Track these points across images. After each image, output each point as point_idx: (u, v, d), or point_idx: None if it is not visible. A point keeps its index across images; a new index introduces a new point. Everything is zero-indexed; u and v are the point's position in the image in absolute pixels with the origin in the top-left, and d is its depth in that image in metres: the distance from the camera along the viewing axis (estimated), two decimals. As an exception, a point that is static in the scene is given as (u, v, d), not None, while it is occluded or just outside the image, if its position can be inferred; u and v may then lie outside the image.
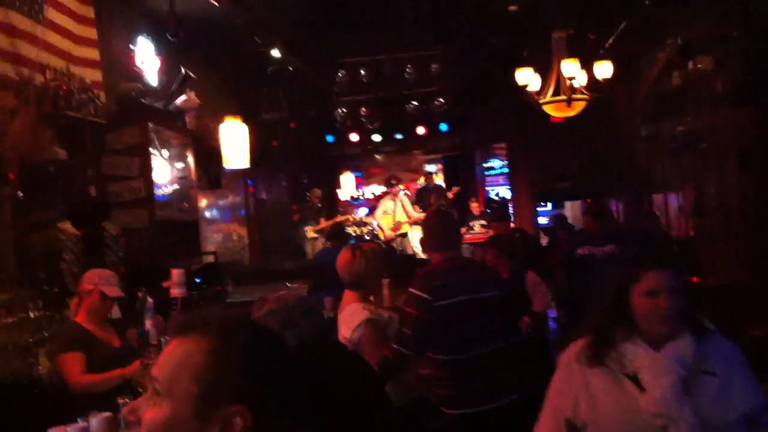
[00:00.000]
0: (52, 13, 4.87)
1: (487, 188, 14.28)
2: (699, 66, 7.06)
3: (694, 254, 6.88)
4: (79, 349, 3.54)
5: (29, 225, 4.57)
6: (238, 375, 1.24)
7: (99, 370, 3.51)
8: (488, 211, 10.80)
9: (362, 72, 10.17)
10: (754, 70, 6.04)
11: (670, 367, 1.96)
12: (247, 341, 1.30)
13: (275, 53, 7.97)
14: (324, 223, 10.36)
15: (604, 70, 7.58)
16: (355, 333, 3.31)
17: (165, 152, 6.53)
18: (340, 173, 14.62)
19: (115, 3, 6.09)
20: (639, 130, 9.10)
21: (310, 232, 10.55)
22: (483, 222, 10.26)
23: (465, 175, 14.10)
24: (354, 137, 12.75)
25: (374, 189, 14.95)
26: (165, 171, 6.53)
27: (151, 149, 6.18)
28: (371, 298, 3.60)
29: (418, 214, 10.38)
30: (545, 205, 13.12)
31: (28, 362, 3.95)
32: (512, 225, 10.92)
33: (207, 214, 8.40)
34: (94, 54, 5.39)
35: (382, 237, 10.41)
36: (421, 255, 8.02)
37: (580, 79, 7.65)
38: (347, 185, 14.64)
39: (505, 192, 13.68)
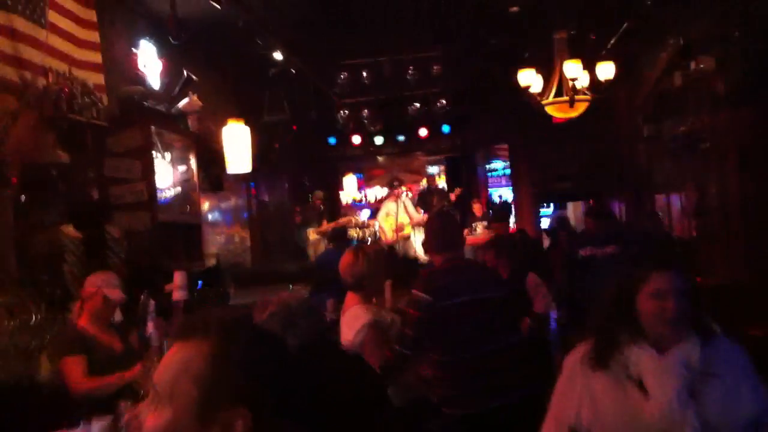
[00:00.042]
0: (54, 17, 4.88)
1: (489, 190, 14.28)
2: (700, 66, 7.06)
3: (694, 254, 6.87)
4: (81, 352, 3.54)
5: (31, 227, 4.58)
6: (239, 379, 1.24)
7: (100, 374, 3.51)
8: (490, 212, 10.80)
9: (363, 74, 10.17)
10: (754, 70, 6.03)
11: (675, 371, 1.93)
12: (248, 345, 1.31)
13: (277, 55, 7.98)
14: (326, 226, 10.35)
15: (606, 70, 7.57)
16: (358, 335, 3.32)
17: (167, 155, 6.53)
18: (342, 175, 14.62)
19: (116, 6, 6.11)
20: (640, 130, 9.09)
21: (312, 234, 10.55)
22: (485, 223, 10.25)
23: (467, 176, 14.09)
24: (356, 139, 12.75)
25: (376, 191, 14.95)
26: (167, 174, 6.53)
27: (153, 152, 6.18)
28: (373, 300, 3.60)
29: (420, 216, 10.37)
30: (547, 207, 13.10)
31: (29, 365, 3.95)
32: (513, 226, 10.94)
33: (209, 216, 8.41)
34: (96, 57, 5.40)
35: (384, 239, 10.40)
36: (424, 257, 8.03)
37: (583, 80, 7.64)
38: (349, 187, 14.64)
39: (508, 193, 13.67)
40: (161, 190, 6.34)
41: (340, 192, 14.43)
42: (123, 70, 6.04)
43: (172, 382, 1.24)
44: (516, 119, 11.18)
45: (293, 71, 8.59)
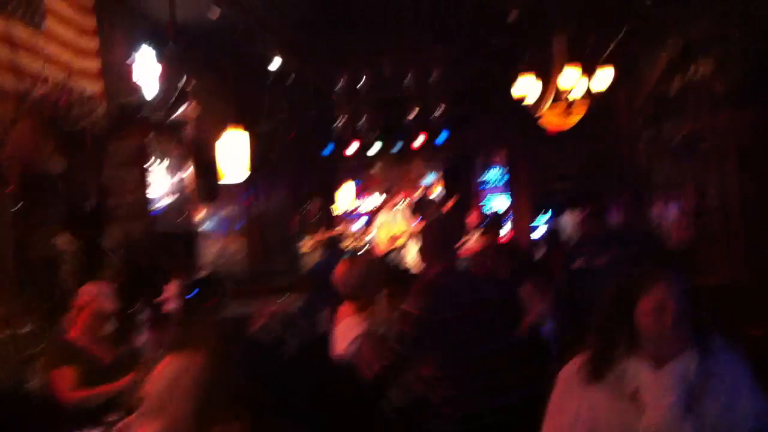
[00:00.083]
0: (52, 24, 4.89)
1: (484, 199, 14.27)
2: (699, 67, 7.05)
3: (692, 258, 6.84)
4: (71, 363, 3.53)
5: (27, 236, 4.56)
6: (233, 389, 1.24)
7: (91, 385, 3.49)
8: (485, 222, 10.78)
9: (361, 81, 10.19)
10: (754, 70, 6.02)
11: (673, 385, 1.90)
12: (242, 356, 1.31)
13: (275, 63, 7.99)
14: (321, 236, 10.34)
15: (605, 76, 7.56)
16: (351, 345, 3.31)
17: (164, 163, 6.53)
18: (339, 183, 14.60)
19: (116, 14, 6.11)
20: (639, 131, 9.08)
21: (307, 243, 10.53)
22: (480, 232, 10.23)
23: (463, 186, 14.09)
24: (353, 147, 12.75)
25: (372, 200, 14.93)
26: (163, 182, 6.53)
27: (149, 160, 6.17)
28: (367, 310, 3.59)
29: (415, 226, 10.36)
30: (545, 213, 13.05)
31: (22, 375, 3.94)
32: (504, 236, 10.92)
33: (204, 225, 8.39)
34: (95, 64, 5.40)
35: (378, 249, 10.39)
36: (418, 267, 8.01)
37: (579, 90, 7.63)
38: (346, 195, 14.62)
39: (504, 202, 13.66)
40: (157, 199, 6.33)
41: (336, 201, 14.41)
42: (121, 78, 6.05)
43: (163, 394, 1.24)
44: (515, 122, 11.16)
45: (291, 79, 8.60)
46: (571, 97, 7.59)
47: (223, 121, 7.62)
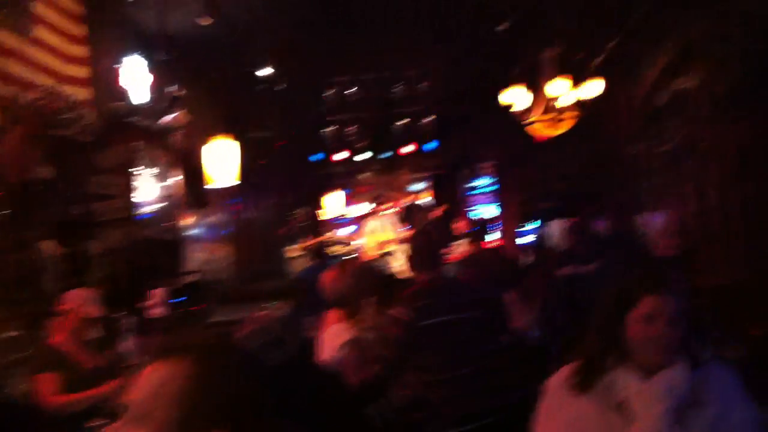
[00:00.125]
0: (40, 31, 4.87)
1: (472, 207, 14.30)
2: (689, 81, 7.11)
3: (690, 259, 6.85)
4: (55, 369, 3.51)
5: (12, 243, 4.53)
6: (219, 398, 1.23)
7: (75, 391, 3.47)
8: (473, 230, 10.81)
9: (349, 91, 10.20)
10: (753, 71, 6.07)
11: (662, 396, 1.87)
12: (228, 364, 1.30)
13: (263, 72, 7.99)
14: (308, 242, 10.34)
15: (594, 88, 7.61)
16: (338, 353, 3.30)
17: (152, 170, 6.51)
18: (327, 192, 14.61)
19: (104, 21, 6.10)
20: (629, 144, 9.14)
21: (293, 251, 10.52)
22: (468, 240, 10.26)
23: (452, 193, 14.13)
24: (341, 156, 12.77)
25: (360, 208, 14.95)
26: (151, 189, 6.51)
27: (137, 168, 6.16)
28: (355, 317, 3.59)
29: (403, 234, 10.38)
30: (533, 222, 13.10)
31: (7, 382, 3.91)
32: (492, 243, 10.94)
33: (191, 232, 8.37)
34: (84, 72, 5.39)
35: (366, 256, 10.39)
36: (406, 274, 8.01)
37: (569, 98, 7.68)
38: (335, 203, 14.62)
39: (492, 211, 13.70)
40: (144, 206, 6.31)
41: (324, 208, 14.41)
42: (109, 86, 6.03)
43: (147, 402, 1.23)
44: (504, 136, 11.20)
45: (279, 88, 8.60)
46: (558, 105, 7.63)
47: (213, 128, 7.62)
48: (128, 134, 6.11)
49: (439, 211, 11.62)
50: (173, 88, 6.66)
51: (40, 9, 4.86)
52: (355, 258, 10.23)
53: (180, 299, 6.12)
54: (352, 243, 11.22)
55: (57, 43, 5.07)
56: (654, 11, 6.86)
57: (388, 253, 10.36)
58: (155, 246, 6.58)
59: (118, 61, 6.15)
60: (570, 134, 8.09)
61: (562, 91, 7.45)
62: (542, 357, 4.98)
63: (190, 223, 8.26)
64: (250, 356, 1.45)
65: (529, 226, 11.87)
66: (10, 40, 4.50)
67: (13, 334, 4.13)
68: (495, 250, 9.45)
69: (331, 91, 10.11)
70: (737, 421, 1.90)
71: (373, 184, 14.74)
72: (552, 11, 7.19)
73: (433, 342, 3.17)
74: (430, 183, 14.96)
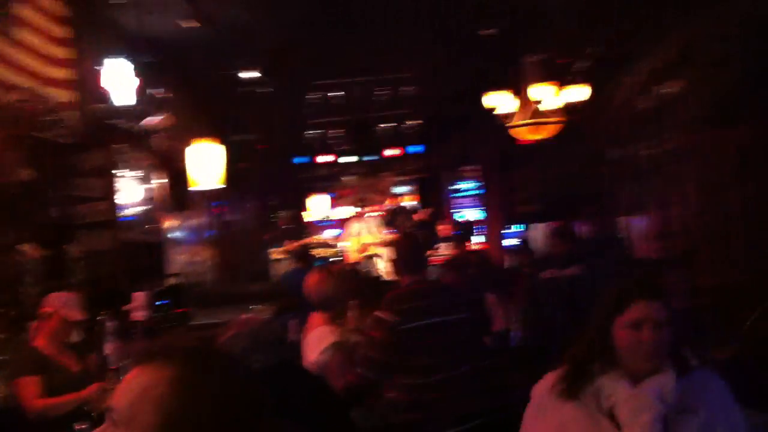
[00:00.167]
0: (22, 33, 4.82)
1: (456, 210, 14.35)
2: (666, 90, 7.18)
3: (661, 275, 6.89)
4: (37, 372, 3.47)
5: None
6: (202, 404, 1.22)
7: (57, 395, 3.44)
8: (457, 233, 10.85)
9: (333, 94, 10.19)
10: (742, 86, 6.12)
11: (650, 403, 1.84)
12: (211, 369, 1.29)
13: (245, 75, 7.97)
14: (290, 245, 10.32)
15: (578, 93, 7.65)
16: (322, 356, 3.29)
17: (133, 173, 6.47)
18: (310, 195, 14.59)
19: (87, 23, 6.05)
20: (604, 152, 9.22)
21: (275, 253, 10.50)
22: (451, 243, 10.30)
23: (436, 196, 14.17)
24: (324, 159, 12.76)
25: (344, 210, 14.95)
26: (132, 192, 6.47)
27: (118, 170, 6.11)
28: (339, 320, 3.59)
29: (386, 236, 10.38)
30: (516, 226, 13.18)
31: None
32: (479, 245, 10.99)
33: (173, 235, 8.32)
34: (66, 74, 5.34)
35: (349, 259, 10.39)
36: (388, 277, 8.03)
37: (551, 103, 7.71)
38: (319, 206, 14.61)
39: (475, 214, 13.75)
40: (125, 209, 6.27)
41: (306, 211, 14.39)
42: (92, 88, 5.98)
43: (130, 407, 1.21)
44: (488, 140, 11.25)
45: (262, 91, 8.58)
46: (542, 108, 7.66)
47: (196, 130, 7.58)
48: (111, 137, 6.06)
49: (423, 214, 11.64)
50: (156, 91, 6.62)
51: (23, 11, 4.82)
52: (340, 261, 10.24)
53: (162, 302, 6.08)
54: (336, 246, 11.21)
55: (39, 45, 5.03)
56: (648, 13, 6.90)
57: (372, 256, 10.38)
58: (138, 249, 6.53)
59: (101, 64, 6.10)
60: (555, 137, 8.13)
61: (546, 95, 7.49)
62: (527, 358, 5.01)
63: (173, 226, 8.22)
64: (233, 361, 1.44)
65: (512, 229, 11.93)
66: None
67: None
68: (479, 253, 9.49)
69: (315, 94, 10.09)
70: (726, 427, 1.89)
71: (357, 186, 14.75)
72: (540, 15, 7.23)
73: (418, 345, 3.17)
74: (415, 186, 14.99)
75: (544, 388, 2.05)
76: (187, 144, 7.25)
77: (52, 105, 5.02)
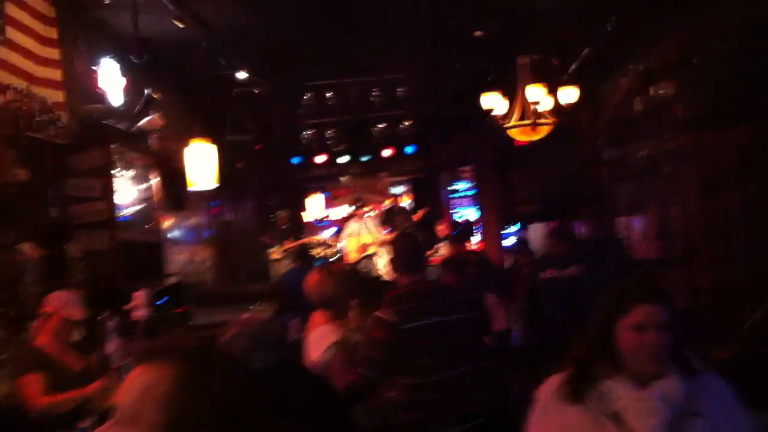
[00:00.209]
0: (12, 33, 4.81)
1: (453, 210, 14.36)
2: (660, 92, 7.20)
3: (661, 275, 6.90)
4: (39, 370, 3.48)
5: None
6: (204, 402, 1.22)
7: (59, 393, 3.45)
8: (455, 233, 10.86)
9: (328, 95, 10.17)
10: (714, 96, 6.15)
11: (656, 407, 1.82)
12: (213, 368, 1.29)
13: (241, 75, 7.96)
14: (289, 245, 10.32)
15: (569, 95, 7.68)
16: (324, 355, 3.30)
17: (128, 173, 6.47)
18: (306, 195, 14.59)
19: (78, 24, 6.05)
20: (602, 153, 9.24)
21: (274, 253, 10.50)
22: (449, 242, 10.31)
23: (432, 196, 14.17)
24: (320, 159, 12.75)
25: (340, 210, 14.96)
26: (128, 192, 6.47)
27: (114, 170, 6.11)
28: (340, 319, 3.59)
29: (384, 236, 10.39)
30: (513, 226, 13.21)
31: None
32: (473, 246, 10.99)
33: (171, 235, 8.32)
34: (56, 74, 5.33)
35: (347, 259, 10.39)
36: (387, 277, 8.04)
37: (545, 104, 7.74)
38: (315, 206, 14.61)
39: (472, 213, 13.76)
40: (122, 209, 6.27)
41: (304, 211, 14.39)
42: (84, 88, 5.97)
43: (134, 405, 1.22)
44: (482, 141, 11.27)
45: (258, 91, 8.57)
46: (537, 110, 7.68)
47: (190, 130, 7.57)
48: (104, 137, 6.06)
49: (420, 214, 11.64)
50: (149, 91, 6.61)
51: (12, 10, 4.80)
52: (339, 260, 10.24)
53: (162, 302, 6.08)
54: (332, 246, 11.21)
55: (29, 45, 5.01)
56: (647, 13, 6.91)
57: (370, 256, 10.38)
58: (136, 248, 6.53)
59: (92, 63, 6.10)
60: (551, 138, 8.15)
61: (538, 96, 7.50)
62: (527, 358, 5.01)
63: (171, 226, 8.21)
64: (234, 360, 1.44)
65: (510, 229, 11.95)
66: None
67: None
68: (477, 253, 9.51)
69: (311, 94, 10.07)
70: (732, 430, 1.87)
71: (353, 186, 14.75)
72: (539, 16, 7.24)
73: (418, 344, 3.17)
74: (411, 186, 15.00)
75: (548, 390, 2.03)
76: (184, 144, 7.26)
77: (46, 105, 5.01)
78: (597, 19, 6.96)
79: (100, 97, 6.14)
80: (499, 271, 8.24)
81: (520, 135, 8.14)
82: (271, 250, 10.51)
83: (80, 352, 3.84)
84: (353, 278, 4.14)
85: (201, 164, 7.19)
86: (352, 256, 10.43)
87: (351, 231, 10.68)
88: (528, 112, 7.82)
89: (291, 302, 5.20)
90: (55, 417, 3.31)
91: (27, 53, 4.98)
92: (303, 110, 10.47)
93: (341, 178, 14.55)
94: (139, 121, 6.68)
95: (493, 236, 12.28)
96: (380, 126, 11.68)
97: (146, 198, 6.93)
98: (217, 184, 7.47)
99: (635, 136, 8.12)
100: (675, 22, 6.78)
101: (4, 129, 4.55)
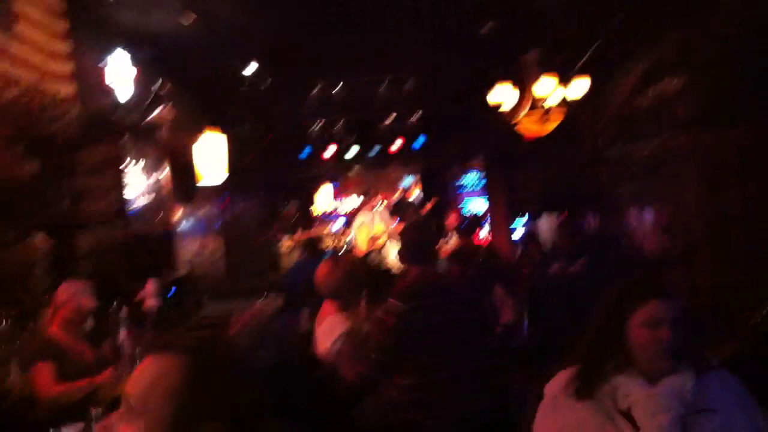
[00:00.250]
0: (23, 27, 4.82)
1: (462, 202, 14.34)
2: (665, 90, 7.17)
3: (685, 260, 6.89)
4: (51, 359, 3.51)
5: (1, 239, 4.51)
6: (212, 394, 1.23)
7: (71, 382, 3.47)
8: (463, 225, 10.85)
9: (339, 86, 10.17)
10: (715, 96, 6.13)
11: (667, 404, 1.80)
12: (221, 360, 1.30)
13: (251, 67, 7.97)
14: (299, 236, 10.33)
15: (580, 86, 7.64)
16: (335, 345, 3.30)
17: (139, 166, 6.50)
18: (317, 186, 14.60)
19: (89, 17, 6.06)
20: (602, 153, 9.22)
21: (285, 245, 10.51)
22: (458, 235, 10.30)
23: (441, 188, 14.16)
24: (330, 151, 12.75)
25: (351, 201, 14.96)
26: (138, 185, 6.50)
27: (123, 164, 6.14)
28: (349, 310, 3.59)
29: (394, 227, 10.39)
30: (522, 217, 13.17)
31: (2, 374, 3.90)
32: (485, 238, 10.99)
33: (181, 227, 8.35)
34: (67, 68, 5.35)
35: (356, 250, 10.40)
36: (397, 267, 8.04)
37: (555, 98, 7.71)
38: (324, 197, 14.62)
39: (481, 206, 13.74)
40: (133, 201, 6.30)
41: (314, 203, 14.41)
42: (94, 82, 5.99)
43: (144, 395, 1.23)
44: (492, 134, 11.24)
45: (268, 83, 8.58)
46: (546, 105, 7.66)
47: (200, 123, 7.60)
48: (114, 130, 6.08)
49: (429, 206, 11.64)
50: (158, 85, 6.63)
51: (23, 5, 4.82)
52: (347, 252, 10.25)
53: (171, 293, 6.11)
54: (344, 237, 11.22)
55: (40, 39, 5.03)
56: (647, 12, 6.88)
57: (380, 247, 10.38)
58: (145, 240, 6.56)
59: (101, 57, 6.12)
60: (551, 138, 8.13)
61: (548, 89, 7.48)
62: (527, 358, 5.00)
63: (180, 218, 8.25)
64: (243, 353, 1.45)
65: (518, 222, 11.93)
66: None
67: (4, 327, 4.12)
68: (485, 246, 9.49)
69: (320, 87, 10.08)
70: (744, 428, 1.85)
71: (363, 179, 14.75)
72: (539, 15, 7.22)
73: (426, 336, 3.16)
74: (421, 177, 14.98)
75: (557, 386, 2.01)
76: (193, 137, 7.28)
77: (56, 99, 5.03)
78: (597, 19, 6.95)
79: (110, 90, 6.17)
80: (506, 265, 8.24)
81: (529, 127, 8.11)
82: (281, 242, 10.53)
83: (92, 341, 3.87)
84: (362, 269, 4.13)
85: (210, 157, 7.22)
86: (362, 247, 10.44)
87: (360, 222, 10.69)
88: (537, 106, 7.80)
89: (300, 293, 5.22)
90: (66, 406, 3.33)
91: (37, 47, 5.00)
92: (311, 103, 10.48)
93: (351, 171, 14.55)
94: (148, 115, 6.71)
95: (501, 229, 12.27)
96: (390, 119, 11.68)
97: (156, 190, 6.96)
98: (227, 175, 7.49)
99: (635, 136, 8.10)
100: (675, 22, 6.75)
101: (15, 123, 4.58)
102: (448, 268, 5.83)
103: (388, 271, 7.86)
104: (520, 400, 2.27)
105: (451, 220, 11.18)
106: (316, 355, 3.36)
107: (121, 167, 6.07)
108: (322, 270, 3.59)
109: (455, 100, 10.74)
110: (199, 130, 7.27)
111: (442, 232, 10.55)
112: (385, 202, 12.60)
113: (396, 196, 13.67)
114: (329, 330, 3.38)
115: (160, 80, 6.73)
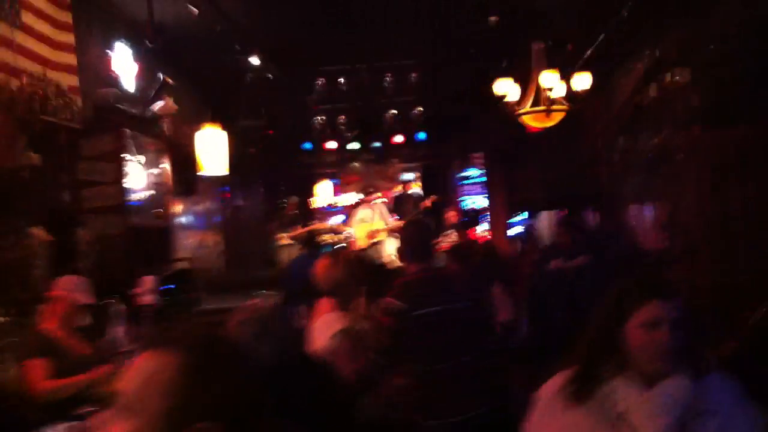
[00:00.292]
0: (28, 18, 4.83)
1: (463, 197, 14.32)
2: (674, 79, 7.16)
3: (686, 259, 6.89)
4: (45, 355, 3.50)
5: (1, 231, 4.51)
6: (209, 391, 1.22)
7: (65, 378, 3.47)
8: (463, 221, 10.86)
9: (340, 81, 10.16)
10: (715, 96, 6.13)
11: (665, 407, 1.78)
12: (219, 357, 1.29)
13: (253, 61, 7.96)
14: (299, 231, 10.32)
15: (582, 81, 7.63)
16: (331, 342, 3.30)
17: (141, 158, 6.50)
18: (317, 181, 14.58)
19: (92, 9, 6.06)
20: (613, 143, 9.20)
21: (284, 239, 10.50)
22: (457, 230, 10.31)
23: (442, 183, 14.14)
24: (331, 145, 12.74)
25: (351, 197, 14.94)
26: (140, 177, 6.50)
27: (126, 155, 6.14)
28: (347, 306, 3.58)
29: (394, 223, 10.38)
30: (521, 214, 13.17)
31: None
32: (485, 234, 10.99)
33: (181, 220, 8.35)
34: (71, 59, 5.36)
35: (355, 246, 10.39)
36: (395, 264, 8.03)
37: (559, 90, 7.69)
38: (324, 193, 14.61)
39: (482, 201, 13.73)
40: (133, 193, 6.30)
41: (314, 197, 14.40)
42: (98, 73, 6.00)
43: (138, 392, 1.22)
44: (493, 129, 11.22)
45: (270, 77, 8.57)
46: (551, 96, 7.63)
47: (201, 115, 7.59)
48: (117, 121, 6.08)
49: (429, 202, 11.62)
50: (162, 76, 6.63)
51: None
52: (347, 247, 10.23)
53: (170, 287, 6.11)
54: (342, 232, 11.20)
55: (45, 30, 5.03)
56: (648, 12, 6.87)
57: (378, 243, 10.37)
58: (145, 233, 6.56)
59: (105, 48, 6.12)
60: (560, 128, 8.12)
61: (551, 83, 7.46)
62: (527, 358, 5.00)
63: (181, 211, 8.25)
64: (241, 349, 1.44)
65: (518, 218, 11.92)
66: (-1, 27, 4.46)
67: (1, 320, 4.12)
68: (484, 241, 9.49)
69: (322, 81, 10.07)
70: (742, 430, 1.83)
71: (363, 173, 14.73)
72: (539, 15, 7.22)
73: (425, 332, 3.16)
74: (421, 173, 14.97)
75: (552, 390, 1.97)
76: (195, 129, 7.28)
77: (60, 89, 5.03)
78: (598, 19, 6.94)
79: (113, 82, 6.17)
80: (506, 260, 8.23)
81: (533, 121, 8.09)
82: (279, 236, 10.52)
83: (87, 336, 3.86)
84: (361, 265, 4.12)
85: (212, 150, 7.21)
86: (361, 242, 10.43)
87: (360, 218, 10.67)
88: (542, 98, 7.77)
89: (299, 288, 5.21)
90: (59, 402, 3.33)
91: (42, 38, 5.01)
92: (315, 96, 10.47)
93: (351, 165, 14.53)
94: (151, 106, 6.71)
95: (500, 224, 12.26)
96: (391, 113, 11.67)
97: (157, 183, 6.96)
98: (228, 170, 7.49)
99: (636, 134, 8.10)
100: (675, 21, 6.74)
101: (19, 113, 4.58)
102: (447, 263, 5.82)
103: (386, 266, 7.84)
104: (520, 400, 2.25)
105: (451, 215, 11.18)
106: (312, 353, 3.35)
107: (123, 158, 6.07)
108: (321, 265, 3.59)
109: (455, 100, 10.74)
110: (202, 123, 7.27)
111: (441, 228, 10.54)
112: (384, 198, 12.60)
113: (396, 191, 13.66)
114: (325, 327, 3.37)
115: (164, 72, 6.72)
